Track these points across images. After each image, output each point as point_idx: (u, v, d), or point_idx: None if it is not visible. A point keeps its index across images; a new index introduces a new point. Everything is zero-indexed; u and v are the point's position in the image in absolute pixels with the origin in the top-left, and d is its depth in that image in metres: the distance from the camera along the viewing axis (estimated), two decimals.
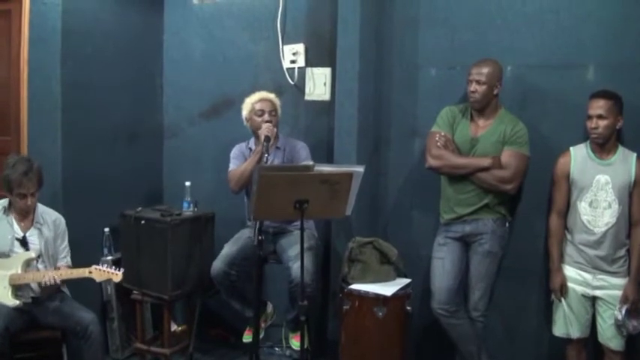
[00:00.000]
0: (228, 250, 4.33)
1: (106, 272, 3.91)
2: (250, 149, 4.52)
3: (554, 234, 4.01)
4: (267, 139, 4.18)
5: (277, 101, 4.53)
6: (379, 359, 4.02)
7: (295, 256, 4.03)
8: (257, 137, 4.41)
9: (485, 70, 3.98)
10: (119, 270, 3.94)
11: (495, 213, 4.08)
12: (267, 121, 4.34)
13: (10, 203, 4.02)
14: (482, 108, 4.05)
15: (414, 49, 4.58)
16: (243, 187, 4.38)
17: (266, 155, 4.06)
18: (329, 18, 4.72)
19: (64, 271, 3.95)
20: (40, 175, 3.96)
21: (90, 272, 3.91)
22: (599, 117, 3.74)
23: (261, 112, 4.40)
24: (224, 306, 4.57)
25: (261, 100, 4.46)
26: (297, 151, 4.47)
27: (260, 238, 3.69)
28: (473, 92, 4.00)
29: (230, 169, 4.49)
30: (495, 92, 4.02)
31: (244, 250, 4.31)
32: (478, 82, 3.98)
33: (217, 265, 4.26)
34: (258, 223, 3.70)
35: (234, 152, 4.56)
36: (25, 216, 4.03)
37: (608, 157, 3.84)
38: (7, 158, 3.99)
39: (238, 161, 4.49)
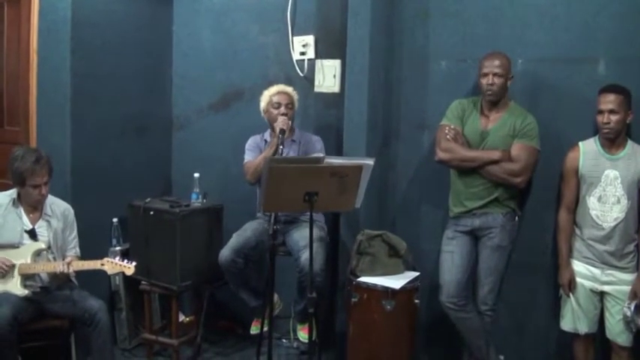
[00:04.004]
0: (236, 239, 4.35)
1: (118, 265, 3.91)
2: (266, 141, 4.55)
3: (563, 229, 4.00)
4: (282, 131, 4.20)
5: (295, 95, 4.55)
6: (387, 352, 4.02)
7: (304, 246, 4.06)
8: (273, 129, 4.43)
9: (499, 62, 3.97)
10: (131, 263, 3.93)
11: (505, 207, 4.07)
12: (282, 114, 4.36)
13: (18, 195, 4.01)
14: (497, 101, 4.04)
15: (424, 41, 4.57)
16: (259, 178, 4.38)
17: (281, 147, 4.08)
18: (339, 10, 4.71)
19: (75, 262, 3.95)
20: (50, 163, 3.94)
21: (102, 265, 3.91)
22: (611, 112, 3.73)
23: (278, 105, 4.43)
24: (232, 297, 4.59)
25: (279, 93, 4.49)
26: (313, 144, 4.50)
27: (275, 227, 3.72)
28: (491, 85, 3.98)
29: (245, 160, 4.52)
30: (508, 84, 4.02)
31: (252, 240, 4.36)
32: (496, 75, 3.96)
33: (225, 252, 4.28)
34: (273, 213, 3.73)
35: (250, 144, 4.59)
36: (35, 207, 4.03)
37: (618, 152, 3.83)
38: (12, 151, 3.95)
39: (254, 153, 4.53)
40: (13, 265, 3.85)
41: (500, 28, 4.33)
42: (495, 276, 4.10)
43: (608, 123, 3.73)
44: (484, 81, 4.01)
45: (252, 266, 4.41)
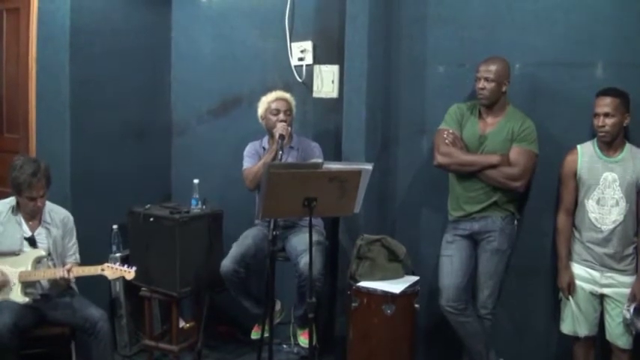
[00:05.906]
0: (236, 249, 4.34)
1: (118, 270, 3.91)
2: (264, 148, 4.55)
3: (562, 232, 4.00)
4: (282, 137, 4.20)
5: (293, 101, 4.56)
6: (387, 357, 4.03)
7: (303, 250, 4.06)
8: (272, 136, 4.43)
9: (493, 67, 3.98)
10: (131, 267, 3.93)
11: (504, 211, 4.08)
12: (281, 121, 4.37)
13: (18, 203, 4.01)
14: (491, 105, 4.05)
15: (422, 46, 4.57)
16: (258, 184, 4.38)
17: (280, 153, 4.08)
18: (337, 15, 4.72)
19: (76, 268, 3.95)
20: (48, 175, 3.95)
21: (102, 270, 3.91)
22: (606, 115, 3.73)
23: (277, 112, 4.43)
24: (232, 303, 4.58)
25: (277, 99, 4.49)
26: (311, 150, 4.51)
27: (275, 233, 3.72)
28: (481, 89, 4.00)
29: (244, 167, 4.52)
30: (503, 89, 4.03)
31: (252, 248, 4.35)
32: (486, 80, 3.98)
33: (227, 263, 4.27)
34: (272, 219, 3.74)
35: (249, 150, 4.59)
36: (34, 215, 4.03)
37: (616, 155, 3.83)
38: (13, 160, 3.96)
39: (253, 159, 4.52)
40: (7, 281, 3.86)
41: (498, 33, 4.33)
42: (495, 280, 4.11)
43: (603, 126, 3.74)
44: (476, 85, 4.04)
45: (253, 274, 4.41)
